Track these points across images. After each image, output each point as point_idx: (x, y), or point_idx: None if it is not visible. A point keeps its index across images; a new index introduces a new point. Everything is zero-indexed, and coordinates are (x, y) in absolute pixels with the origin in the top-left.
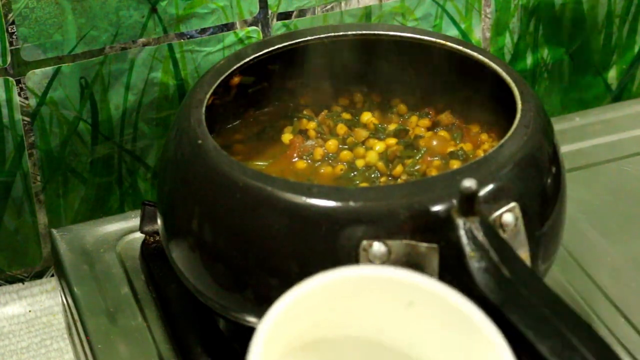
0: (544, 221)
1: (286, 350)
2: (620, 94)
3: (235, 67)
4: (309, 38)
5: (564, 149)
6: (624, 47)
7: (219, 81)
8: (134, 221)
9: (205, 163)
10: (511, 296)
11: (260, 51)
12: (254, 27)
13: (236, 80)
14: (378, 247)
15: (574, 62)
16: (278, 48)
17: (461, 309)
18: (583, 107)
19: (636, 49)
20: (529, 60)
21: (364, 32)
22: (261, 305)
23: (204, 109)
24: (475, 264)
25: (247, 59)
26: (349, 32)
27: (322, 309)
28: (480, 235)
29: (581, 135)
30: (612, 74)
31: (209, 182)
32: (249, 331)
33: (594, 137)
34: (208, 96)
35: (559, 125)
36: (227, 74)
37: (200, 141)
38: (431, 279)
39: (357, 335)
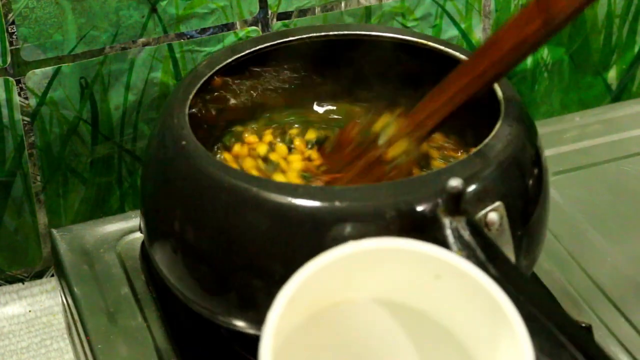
0: (528, 219)
1: (307, 312)
2: (620, 94)
3: (217, 68)
4: (291, 38)
5: (564, 149)
6: (624, 47)
7: (201, 81)
8: (134, 221)
9: (189, 163)
10: None
11: (242, 52)
12: (253, 27)
13: (219, 80)
14: None
15: (574, 62)
16: (260, 49)
17: (485, 287)
18: (583, 107)
19: (636, 49)
20: (529, 60)
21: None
22: (246, 308)
23: (187, 109)
24: None
25: (229, 60)
26: (341, 32)
27: (344, 276)
28: (466, 235)
29: (581, 135)
30: (612, 74)
31: (193, 182)
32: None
33: (594, 137)
34: (191, 96)
35: (559, 125)
36: (209, 74)
37: (184, 142)
38: (456, 255)
39: (383, 298)
